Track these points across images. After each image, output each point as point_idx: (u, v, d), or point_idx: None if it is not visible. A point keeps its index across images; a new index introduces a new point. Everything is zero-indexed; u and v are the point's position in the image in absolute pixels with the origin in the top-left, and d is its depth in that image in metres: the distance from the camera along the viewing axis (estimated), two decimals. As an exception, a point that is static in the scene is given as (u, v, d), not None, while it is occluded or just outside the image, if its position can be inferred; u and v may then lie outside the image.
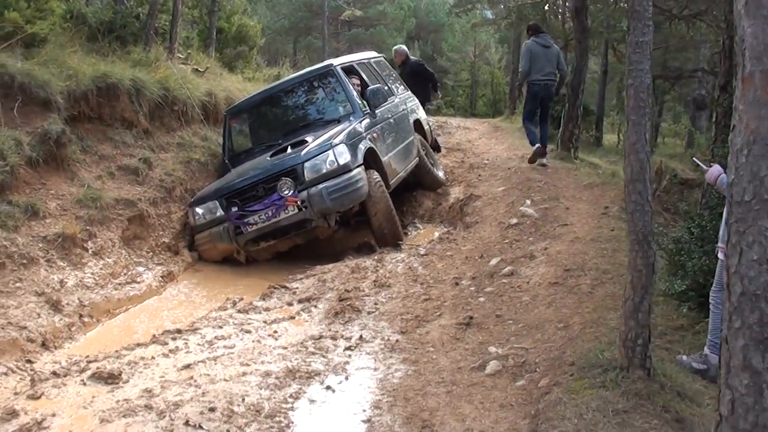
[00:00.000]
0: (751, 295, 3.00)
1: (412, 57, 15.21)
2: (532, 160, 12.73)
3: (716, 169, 5.55)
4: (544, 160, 12.75)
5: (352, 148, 9.64)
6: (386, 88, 12.15)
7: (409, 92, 13.96)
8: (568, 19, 23.38)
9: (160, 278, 8.68)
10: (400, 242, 9.96)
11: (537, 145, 12.72)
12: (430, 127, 14.24)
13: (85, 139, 9.26)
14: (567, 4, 20.24)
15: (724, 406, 3.12)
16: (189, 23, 16.79)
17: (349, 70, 11.71)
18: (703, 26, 14.55)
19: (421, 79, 15.04)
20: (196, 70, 12.93)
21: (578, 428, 4.30)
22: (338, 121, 10.51)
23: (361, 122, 10.42)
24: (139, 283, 8.34)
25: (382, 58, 14.09)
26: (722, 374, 3.14)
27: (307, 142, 9.87)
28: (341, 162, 9.36)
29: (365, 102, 10.97)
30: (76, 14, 11.30)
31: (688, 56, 22.81)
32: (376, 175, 9.97)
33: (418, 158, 12.28)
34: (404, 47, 15.55)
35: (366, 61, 12.90)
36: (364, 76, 12.00)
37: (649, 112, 4.81)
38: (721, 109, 8.79)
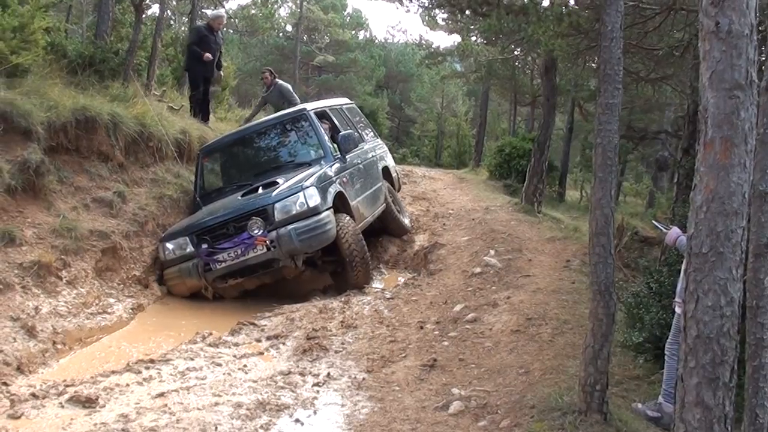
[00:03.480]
0: (705, 338, 3.27)
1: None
2: None
3: (675, 231, 5.81)
4: None
5: (322, 191, 9.82)
6: (357, 134, 12.38)
7: (379, 139, 14.23)
8: (536, 76, 23.88)
9: (131, 310, 8.77)
10: (366, 285, 10.13)
11: None
12: (398, 174, 14.46)
13: (62, 170, 9.33)
14: (537, 61, 20.66)
15: (678, 439, 3.37)
16: (162, 61, 16.86)
17: (322, 115, 11.90)
18: (668, 89, 14.88)
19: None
20: (171, 107, 13.07)
21: (538, 467, 4.51)
22: (309, 165, 10.68)
23: (331, 166, 10.62)
24: (110, 313, 8.42)
25: (354, 105, 14.35)
26: (677, 409, 3.39)
27: (278, 183, 10.03)
28: (311, 204, 9.52)
29: (336, 147, 11.19)
30: (58, 47, 11.44)
31: (653, 118, 23.20)
32: (348, 218, 10.16)
33: (385, 204, 12.47)
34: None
35: (338, 106, 13.13)
36: (336, 122, 12.21)
37: (615, 170, 5.09)
38: (683, 170, 9.01)
